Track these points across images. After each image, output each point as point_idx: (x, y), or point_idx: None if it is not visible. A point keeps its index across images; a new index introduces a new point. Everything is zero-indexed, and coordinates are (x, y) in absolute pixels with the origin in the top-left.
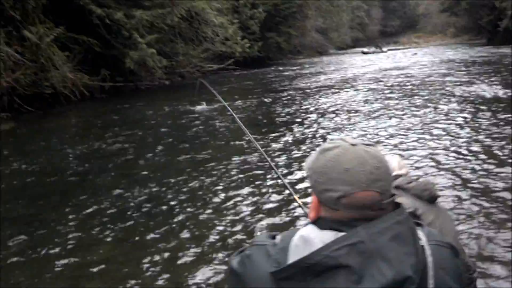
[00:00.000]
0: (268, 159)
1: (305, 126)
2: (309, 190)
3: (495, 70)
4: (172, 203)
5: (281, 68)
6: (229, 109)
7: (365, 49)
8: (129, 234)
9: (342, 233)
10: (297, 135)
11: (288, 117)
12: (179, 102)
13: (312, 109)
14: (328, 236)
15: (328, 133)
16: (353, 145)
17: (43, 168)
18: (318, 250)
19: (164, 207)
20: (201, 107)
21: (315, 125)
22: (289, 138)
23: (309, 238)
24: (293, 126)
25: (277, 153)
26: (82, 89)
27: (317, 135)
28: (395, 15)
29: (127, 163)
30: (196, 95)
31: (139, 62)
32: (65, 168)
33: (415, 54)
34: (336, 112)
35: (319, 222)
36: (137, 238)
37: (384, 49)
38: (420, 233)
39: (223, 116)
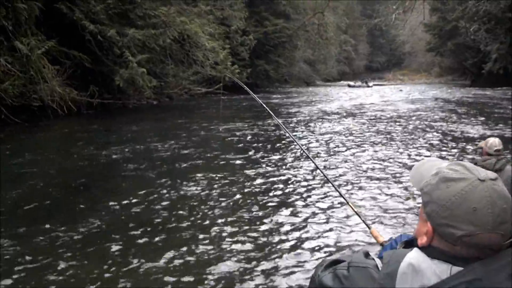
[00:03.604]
0: (321, 169)
1: (298, 149)
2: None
3: (478, 110)
4: (157, 217)
5: (269, 96)
6: (268, 109)
7: (351, 83)
8: (116, 251)
9: (457, 268)
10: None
11: (282, 139)
12: (168, 121)
13: (303, 135)
14: (441, 269)
15: (320, 156)
16: (481, 180)
17: (27, 180)
18: (434, 285)
19: (145, 223)
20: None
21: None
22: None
23: (419, 268)
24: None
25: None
26: (70, 104)
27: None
28: (381, 51)
29: (112, 179)
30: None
31: (129, 80)
32: (50, 182)
33: (401, 90)
34: (324, 139)
35: (430, 250)
36: (128, 255)
37: (370, 84)
38: None
39: (211, 134)
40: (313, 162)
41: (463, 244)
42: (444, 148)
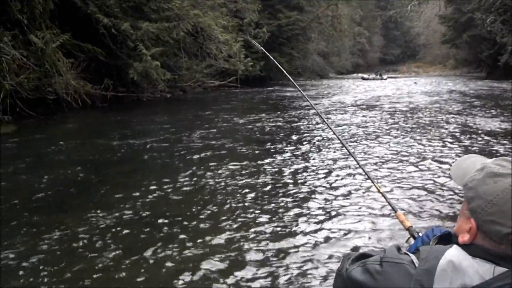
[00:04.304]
0: (352, 153)
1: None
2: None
3: (494, 103)
4: (177, 208)
5: (283, 89)
6: (311, 103)
7: (365, 75)
8: (132, 245)
9: (500, 268)
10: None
11: (302, 133)
12: (184, 114)
13: (322, 126)
14: (484, 268)
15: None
16: None
17: (42, 173)
18: (477, 285)
19: (162, 217)
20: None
21: (324, 142)
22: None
23: (460, 267)
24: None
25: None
26: (84, 97)
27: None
28: (395, 43)
29: (129, 170)
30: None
31: (143, 73)
32: (64, 175)
33: (415, 83)
34: (345, 129)
35: (472, 248)
36: (140, 250)
37: (384, 76)
38: None
39: (224, 128)
40: (345, 146)
41: (509, 243)
42: (465, 141)
